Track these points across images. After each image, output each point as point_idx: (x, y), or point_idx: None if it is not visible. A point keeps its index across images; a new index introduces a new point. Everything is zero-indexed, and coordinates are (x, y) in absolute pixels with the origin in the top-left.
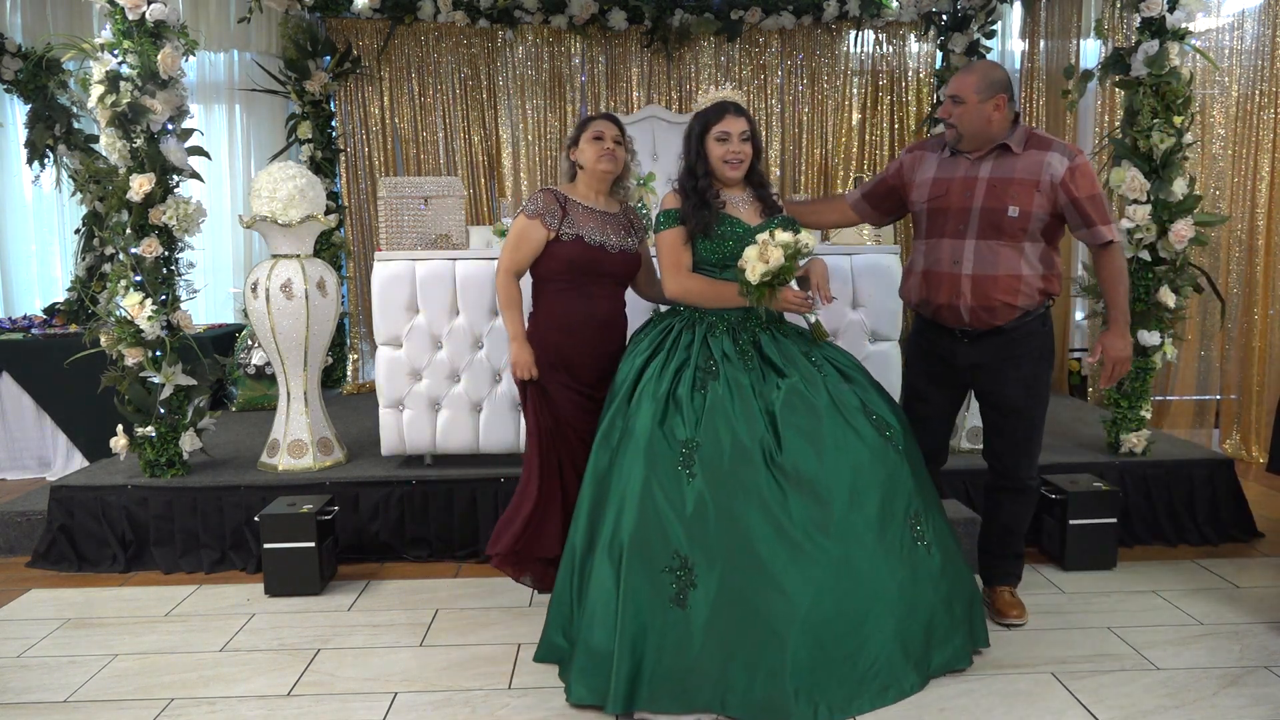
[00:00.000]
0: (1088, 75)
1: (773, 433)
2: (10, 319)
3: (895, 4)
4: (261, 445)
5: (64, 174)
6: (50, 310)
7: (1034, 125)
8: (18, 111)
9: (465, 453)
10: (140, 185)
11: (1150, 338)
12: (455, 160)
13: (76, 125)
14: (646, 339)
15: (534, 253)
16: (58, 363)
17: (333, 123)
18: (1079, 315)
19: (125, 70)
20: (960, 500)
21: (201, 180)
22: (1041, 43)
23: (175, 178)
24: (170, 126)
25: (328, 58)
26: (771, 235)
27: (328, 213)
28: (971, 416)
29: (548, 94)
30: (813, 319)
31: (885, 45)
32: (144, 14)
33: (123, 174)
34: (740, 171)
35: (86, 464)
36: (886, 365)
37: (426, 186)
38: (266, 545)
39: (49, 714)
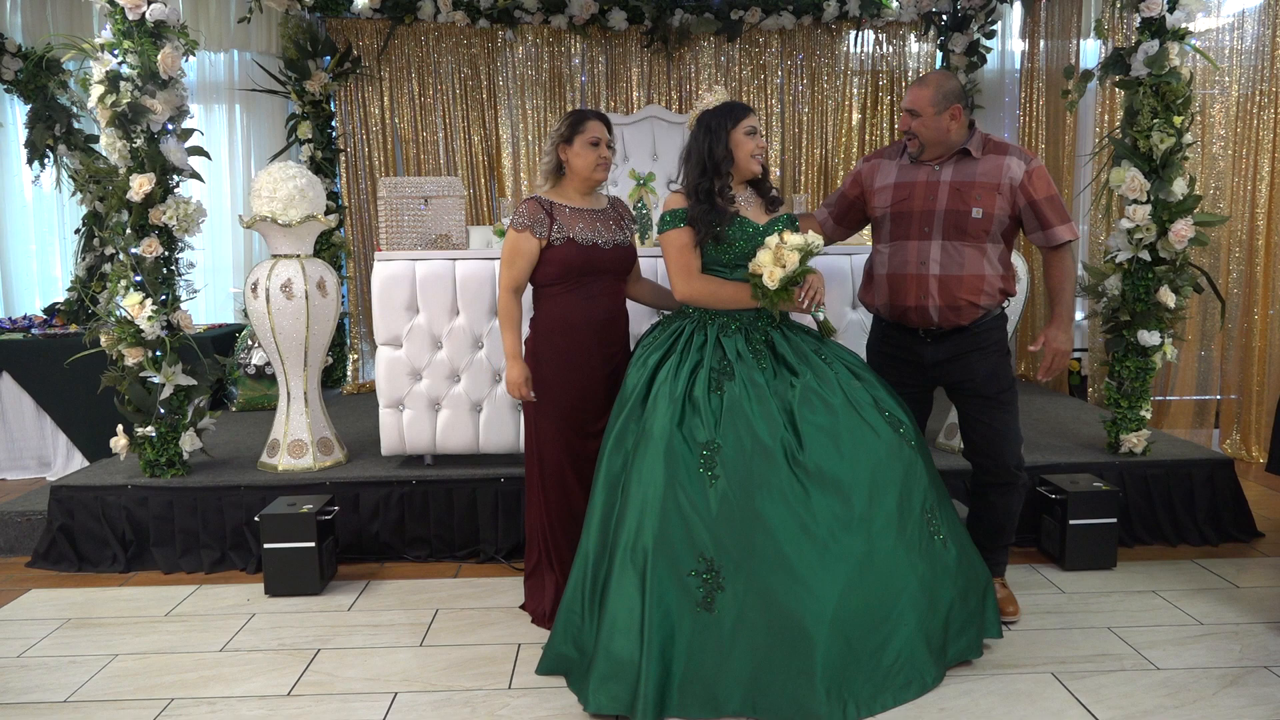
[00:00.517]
0: (1088, 75)
1: (792, 431)
2: (10, 319)
3: (895, 4)
4: (261, 445)
5: (64, 174)
6: (50, 310)
7: (1034, 125)
8: (18, 111)
9: (465, 453)
10: (140, 185)
11: (1150, 338)
12: (455, 160)
13: (76, 125)
14: (655, 343)
15: (530, 264)
16: (58, 363)
17: (333, 123)
18: (1079, 315)
19: (125, 70)
20: (961, 500)
21: (201, 180)
22: (1041, 43)
23: (175, 178)
24: (170, 126)
25: (328, 58)
26: (782, 238)
27: (328, 213)
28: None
29: (548, 94)
30: (820, 315)
31: (885, 45)
32: (144, 14)
33: (123, 174)
34: (760, 166)
35: (86, 464)
36: None
37: (426, 186)
38: (266, 545)
39: (49, 714)
